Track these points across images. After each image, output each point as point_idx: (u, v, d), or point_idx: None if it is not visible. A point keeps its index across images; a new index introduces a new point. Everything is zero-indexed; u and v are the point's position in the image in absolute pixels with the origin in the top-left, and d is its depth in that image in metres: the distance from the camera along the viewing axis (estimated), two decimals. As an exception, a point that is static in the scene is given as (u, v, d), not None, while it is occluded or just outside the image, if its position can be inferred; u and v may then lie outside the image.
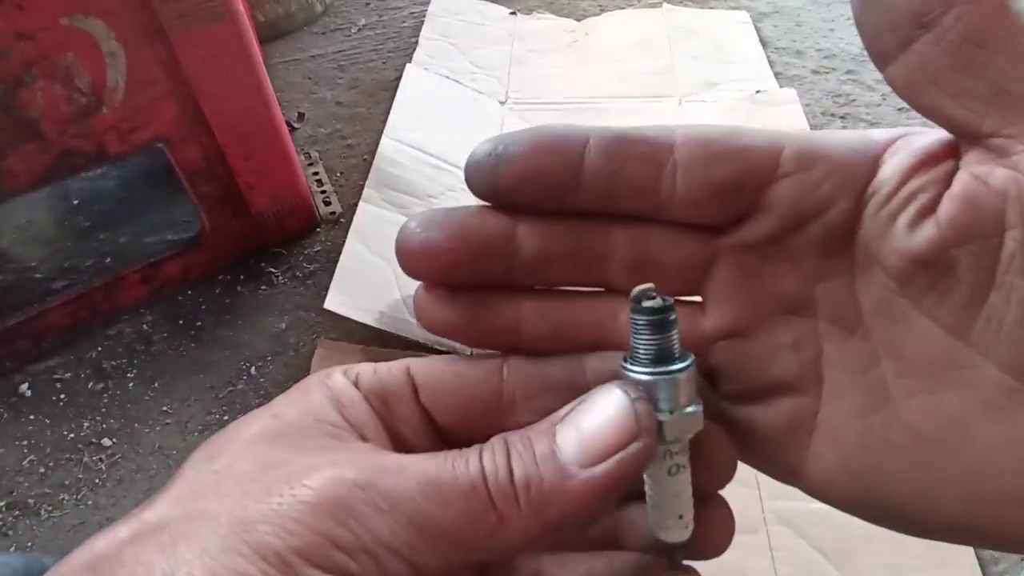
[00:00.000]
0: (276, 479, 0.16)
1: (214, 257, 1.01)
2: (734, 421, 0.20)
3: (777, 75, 1.29)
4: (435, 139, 1.15)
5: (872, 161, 0.18)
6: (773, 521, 0.74)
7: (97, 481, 0.82)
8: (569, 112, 1.25)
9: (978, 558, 0.71)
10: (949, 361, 0.17)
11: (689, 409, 0.18)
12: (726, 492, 0.20)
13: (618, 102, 1.27)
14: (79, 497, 0.81)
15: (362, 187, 1.07)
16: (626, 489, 0.17)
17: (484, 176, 0.19)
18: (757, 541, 0.72)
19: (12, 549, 0.77)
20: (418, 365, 0.21)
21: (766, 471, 0.21)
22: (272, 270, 1.03)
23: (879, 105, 1.23)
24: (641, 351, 0.18)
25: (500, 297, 0.20)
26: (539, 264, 0.20)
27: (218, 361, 0.93)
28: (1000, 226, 0.16)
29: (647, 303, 0.18)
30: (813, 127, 1.18)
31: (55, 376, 0.92)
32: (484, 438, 0.18)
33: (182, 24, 0.80)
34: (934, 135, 0.18)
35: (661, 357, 0.18)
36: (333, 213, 1.10)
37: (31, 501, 0.81)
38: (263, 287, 1.01)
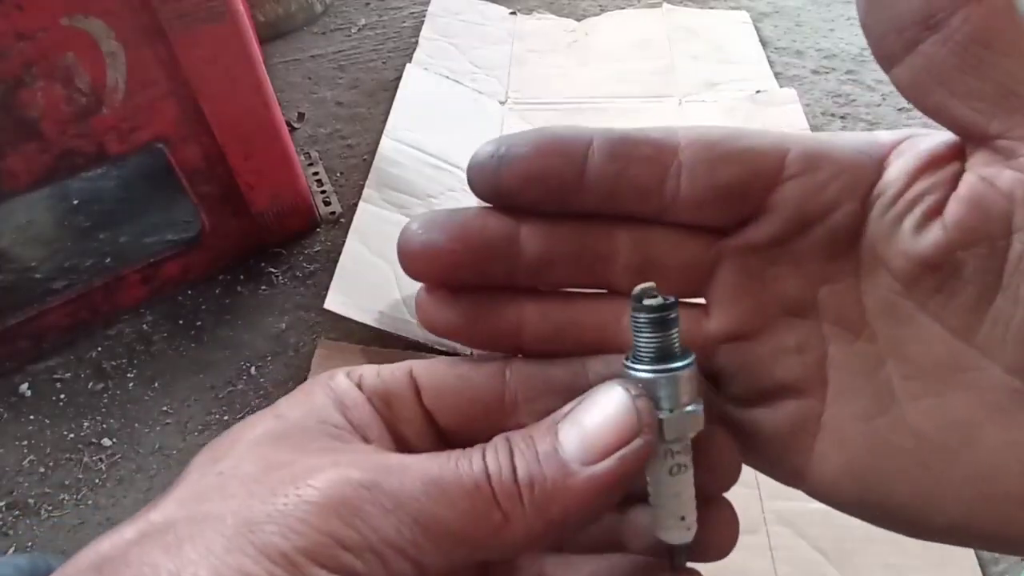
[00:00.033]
0: (281, 480, 0.16)
1: (214, 257, 1.01)
2: (738, 423, 0.20)
3: (777, 75, 1.29)
4: (435, 139, 1.15)
5: (878, 163, 0.18)
6: (773, 521, 0.74)
7: (97, 481, 0.82)
8: (569, 112, 1.25)
9: (978, 558, 0.71)
10: (955, 363, 0.17)
11: (690, 408, 0.18)
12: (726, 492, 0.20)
13: (618, 102, 1.27)
14: (79, 497, 0.81)
15: (362, 187, 1.07)
16: (628, 486, 0.17)
17: (487, 177, 0.19)
18: (757, 541, 0.72)
19: (12, 549, 0.77)
20: (421, 367, 0.21)
21: (770, 473, 0.21)
22: (272, 270, 1.03)
23: (879, 105, 1.23)
24: (642, 349, 0.18)
25: (502, 299, 0.20)
26: (542, 266, 0.20)
27: (218, 361, 0.93)
28: (1007, 228, 0.16)
29: (648, 301, 0.18)
30: (813, 127, 1.18)
31: (55, 376, 0.92)
32: (486, 440, 0.18)
33: (182, 24, 0.80)
34: (940, 137, 0.18)
35: (662, 355, 0.18)
36: (333, 213, 1.10)
37: (31, 501, 0.81)
38: (263, 287, 1.01)
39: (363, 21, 1.49)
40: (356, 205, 1.04)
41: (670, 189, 0.19)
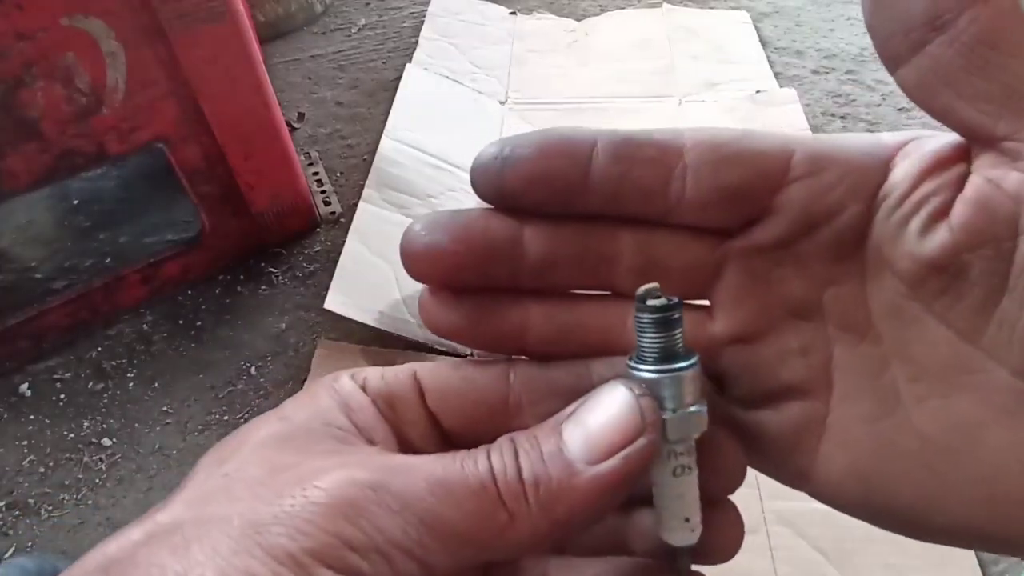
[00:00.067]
0: (287, 481, 0.16)
1: (214, 257, 1.01)
2: (742, 425, 0.20)
3: (777, 75, 1.29)
4: (435, 139, 1.15)
5: (883, 165, 0.18)
6: (773, 521, 0.74)
7: (97, 481, 0.82)
8: (569, 112, 1.25)
9: (978, 558, 0.71)
10: (960, 366, 0.17)
11: (693, 408, 0.18)
12: (725, 491, 0.20)
13: (618, 102, 1.27)
14: (79, 497, 0.81)
15: (362, 187, 1.07)
16: (633, 486, 0.17)
17: (490, 179, 0.19)
18: (757, 541, 0.72)
19: (12, 549, 0.77)
20: (425, 370, 0.21)
21: (774, 475, 0.21)
22: (272, 270, 1.03)
23: (879, 105, 1.23)
24: (646, 350, 0.18)
25: (506, 300, 0.20)
26: (545, 267, 0.20)
27: (218, 361, 0.93)
28: (1014, 230, 0.16)
29: (652, 301, 0.18)
30: (813, 127, 1.18)
31: (55, 376, 0.92)
32: (490, 442, 0.18)
33: (182, 24, 0.80)
34: (945, 138, 0.17)
35: (666, 356, 0.18)
36: (333, 213, 1.10)
37: (31, 501, 0.81)
38: (263, 287, 1.01)
39: (363, 21, 1.49)
40: (356, 205, 1.04)
41: (675, 191, 0.19)
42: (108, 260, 1.03)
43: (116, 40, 0.78)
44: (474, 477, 0.17)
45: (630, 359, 0.19)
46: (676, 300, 0.18)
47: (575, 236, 0.20)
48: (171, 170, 0.91)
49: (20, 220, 1.10)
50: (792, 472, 0.20)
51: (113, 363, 0.93)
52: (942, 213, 0.17)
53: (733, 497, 0.20)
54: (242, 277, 1.02)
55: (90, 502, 0.81)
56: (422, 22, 1.43)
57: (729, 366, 0.20)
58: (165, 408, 0.89)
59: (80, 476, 0.83)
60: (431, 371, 0.20)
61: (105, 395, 0.90)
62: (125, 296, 0.97)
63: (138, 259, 0.97)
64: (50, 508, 0.80)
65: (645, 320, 0.18)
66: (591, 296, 0.20)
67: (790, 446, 0.20)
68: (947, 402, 0.17)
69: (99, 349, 0.95)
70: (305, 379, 0.89)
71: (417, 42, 1.37)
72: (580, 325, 0.20)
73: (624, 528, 0.21)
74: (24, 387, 0.91)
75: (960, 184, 0.17)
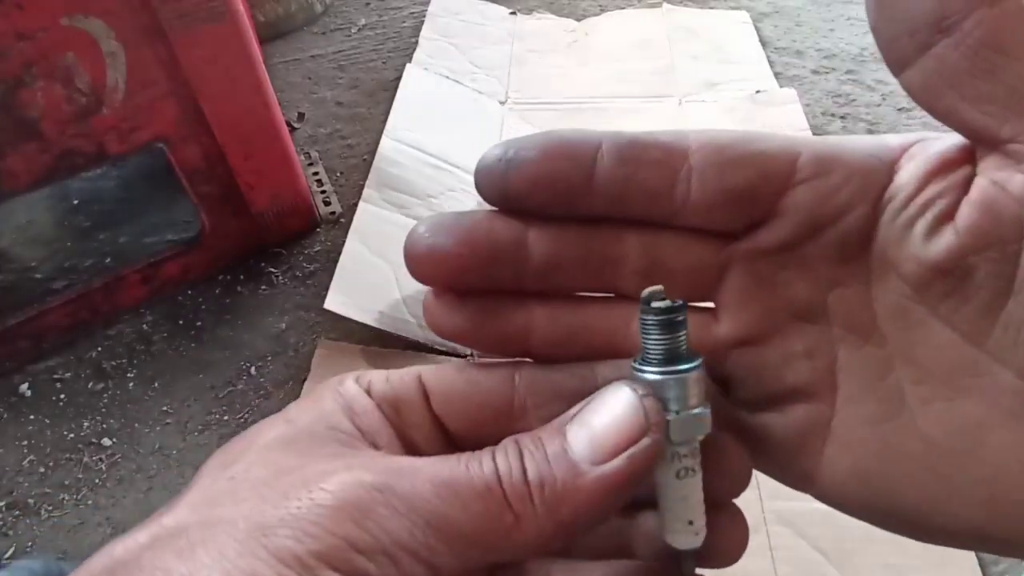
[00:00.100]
0: (292, 484, 0.16)
1: (214, 257, 1.01)
2: (747, 428, 0.20)
3: (777, 75, 1.29)
4: (435, 139, 1.15)
5: (888, 167, 0.18)
6: (773, 521, 0.74)
7: (97, 481, 0.82)
8: (569, 112, 1.25)
9: (978, 558, 0.71)
10: (966, 368, 0.17)
11: (697, 410, 0.18)
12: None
13: (618, 102, 1.27)
14: (79, 497, 0.81)
15: (362, 187, 1.07)
16: (636, 487, 0.17)
17: (494, 181, 0.19)
18: (757, 541, 0.72)
19: (12, 549, 0.77)
20: (429, 372, 0.21)
21: (779, 478, 0.21)
22: (272, 270, 1.03)
23: (879, 105, 1.23)
24: (650, 351, 0.18)
25: (510, 303, 0.20)
26: (550, 269, 0.19)
27: (218, 361, 0.93)
28: (1019, 233, 0.16)
29: (656, 303, 0.18)
30: (813, 127, 1.18)
31: (55, 376, 0.92)
32: (495, 445, 0.18)
33: (182, 24, 0.80)
34: (950, 140, 0.17)
35: (670, 358, 0.18)
36: (333, 213, 1.10)
37: (31, 501, 0.81)
38: (263, 287, 1.01)
39: (363, 21, 1.49)
40: (356, 205, 1.04)
41: (680, 193, 0.19)
42: (108, 260, 1.03)
43: (116, 40, 0.78)
44: (479, 479, 0.17)
45: (635, 361, 0.19)
46: (680, 302, 0.18)
47: (579, 238, 0.20)
48: (171, 170, 0.91)
49: (20, 220, 1.10)
50: (797, 474, 0.20)
51: (113, 363, 0.93)
52: (948, 216, 0.17)
53: None
54: (242, 277, 1.02)
55: (90, 502, 0.81)
56: (422, 22, 1.43)
57: (734, 369, 0.20)
58: (165, 408, 0.89)
59: (80, 476, 0.83)
60: (436, 374, 0.20)
61: (105, 395, 0.90)
62: (125, 296, 0.97)
63: (138, 259, 0.97)
64: (50, 508, 0.80)
65: (649, 322, 0.18)
66: (596, 298, 0.20)
67: (795, 448, 0.20)
68: (952, 405, 0.17)
69: (99, 349, 0.95)
70: (305, 379, 0.89)
71: (417, 42, 1.37)
72: (585, 327, 0.20)
73: (628, 531, 0.21)
74: (24, 387, 0.91)
75: (965, 186, 0.17)
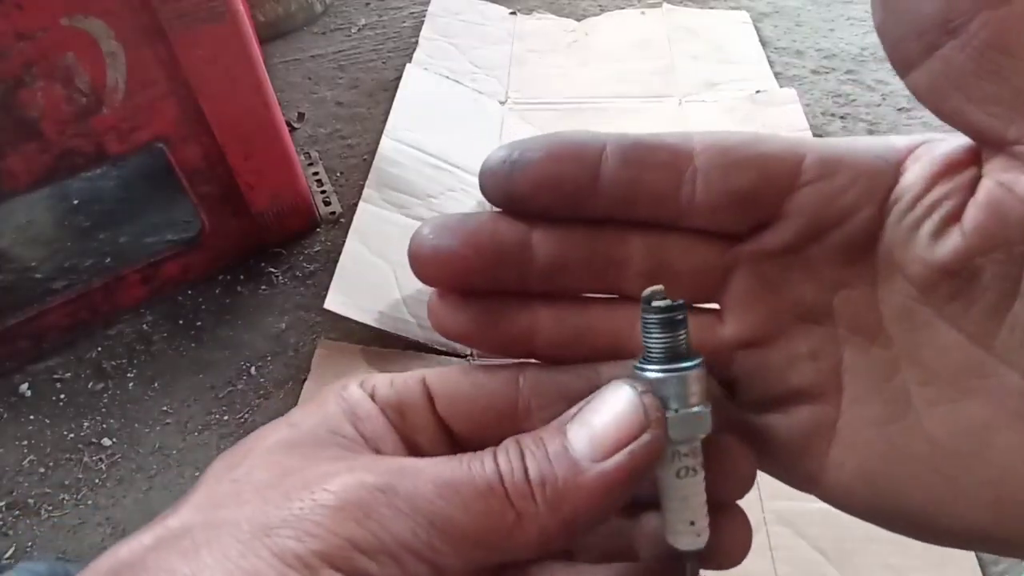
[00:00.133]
0: (295, 485, 0.16)
1: (214, 257, 1.01)
2: (752, 429, 0.20)
3: (777, 75, 1.29)
4: (435, 139, 1.15)
5: (894, 168, 0.18)
6: (773, 521, 0.74)
7: (97, 481, 0.82)
8: (569, 112, 1.25)
9: (978, 558, 0.71)
10: (972, 370, 0.17)
11: (697, 408, 0.18)
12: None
13: (618, 102, 1.27)
14: (79, 497, 0.81)
15: (362, 187, 1.07)
16: (638, 484, 0.17)
17: (499, 182, 0.19)
18: (757, 541, 0.72)
19: (12, 549, 0.77)
20: (433, 375, 0.21)
21: (784, 479, 0.21)
22: (272, 270, 1.03)
23: (879, 105, 1.23)
24: (650, 350, 0.18)
25: (515, 304, 0.20)
26: (554, 271, 0.20)
27: (218, 361, 0.93)
28: None
29: (656, 302, 0.18)
30: (813, 127, 1.18)
31: (55, 376, 0.92)
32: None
33: (182, 24, 0.80)
34: (956, 141, 0.17)
35: (670, 356, 0.18)
36: (333, 213, 1.10)
37: (31, 501, 0.81)
38: (263, 287, 1.01)
39: (363, 21, 1.49)
40: (356, 205, 1.04)
41: (685, 195, 0.19)
42: (108, 260, 1.03)
43: (116, 40, 0.78)
44: (481, 478, 0.17)
45: (637, 361, 0.19)
46: (680, 301, 0.18)
47: (584, 240, 0.20)
48: (171, 170, 0.91)
49: (20, 220, 1.10)
50: (802, 476, 0.20)
51: (113, 363, 0.94)
52: (954, 217, 0.17)
53: None
54: (242, 277, 1.02)
55: (90, 502, 0.81)
56: (422, 22, 1.43)
57: (739, 370, 0.20)
58: (165, 408, 0.89)
59: (80, 476, 0.83)
60: (440, 377, 0.20)
61: (105, 395, 0.90)
62: (125, 296, 0.97)
63: (138, 259, 0.97)
64: (50, 508, 0.80)
65: (649, 321, 0.18)
66: (600, 300, 0.20)
67: (800, 450, 0.20)
68: (958, 406, 0.17)
69: (99, 349, 0.95)
70: (305, 379, 0.89)
71: (417, 42, 1.37)
72: (589, 329, 0.20)
73: (631, 532, 0.21)
74: (24, 387, 0.91)
75: (972, 188, 0.17)
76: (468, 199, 1.07)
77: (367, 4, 1.54)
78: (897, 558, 0.71)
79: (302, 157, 1.15)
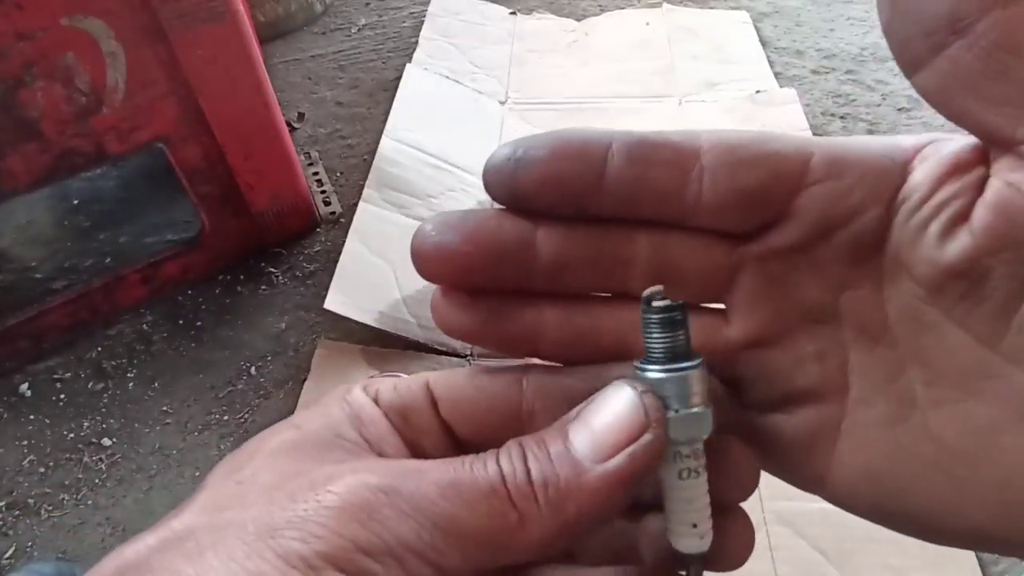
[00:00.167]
0: (300, 486, 0.16)
1: (214, 257, 1.01)
2: (757, 429, 0.20)
3: (777, 75, 1.29)
4: (435, 139, 1.15)
5: (902, 167, 0.18)
6: (773, 521, 0.74)
7: (97, 481, 0.83)
8: (569, 112, 1.25)
9: (978, 558, 0.71)
10: (979, 370, 0.17)
11: (698, 409, 0.18)
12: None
13: (618, 102, 1.27)
14: (79, 497, 0.81)
15: (362, 187, 1.07)
16: (640, 484, 0.17)
17: (503, 180, 0.19)
18: (757, 541, 0.72)
19: (12, 549, 0.77)
20: (437, 379, 0.21)
21: (790, 480, 0.20)
22: (272, 270, 1.03)
23: (879, 105, 1.23)
24: (651, 350, 0.18)
25: (520, 302, 0.20)
26: (558, 270, 0.19)
27: (218, 361, 0.93)
28: None
29: (656, 303, 0.18)
30: (813, 127, 1.18)
31: (55, 376, 0.92)
32: None
33: (182, 24, 0.80)
34: (963, 141, 0.17)
35: (670, 356, 0.18)
36: (333, 213, 1.10)
37: (31, 501, 0.81)
38: (263, 287, 1.01)
39: (363, 21, 1.49)
40: (356, 205, 1.04)
41: (691, 193, 0.18)
42: (108, 260, 1.03)
43: (116, 40, 0.78)
44: (484, 480, 0.17)
45: (639, 362, 0.19)
46: (679, 302, 0.18)
47: (589, 239, 0.19)
48: (171, 170, 0.91)
49: (20, 220, 1.10)
50: (807, 476, 0.20)
51: (113, 363, 0.94)
52: (962, 217, 0.17)
53: None
54: (242, 277, 1.02)
55: (90, 502, 0.81)
56: (422, 22, 1.43)
57: (744, 371, 0.20)
58: (165, 408, 0.89)
59: (80, 476, 0.83)
60: (444, 380, 0.20)
61: (105, 395, 0.90)
62: (125, 296, 0.97)
63: (138, 259, 0.97)
64: (50, 508, 0.80)
65: (649, 321, 0.18)
66: (605, 299, 0.20)
67: (805, 450, 0.19)
68: (964, 407, 0.17)
69: (99, 349, 0.95)
70: (305, 379, 0.89)
71: (417, 42, 1.37)
72: (594, 328, 0.20)
73: (634, 534, 0.21)
74: (24, 387, 0.91)
75: (980, 188, 0.17)
76: (468, 199, 1.07)
77: (367, 4, 1.54)
78: (897, 558, 0.71)
79: (302, 157, 1.15)
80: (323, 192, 1.13)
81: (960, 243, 0.17)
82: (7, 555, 0.77)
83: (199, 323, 0.97)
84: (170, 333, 0.97)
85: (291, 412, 0.87)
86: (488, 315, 0.20)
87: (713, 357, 0.19)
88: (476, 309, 0.20)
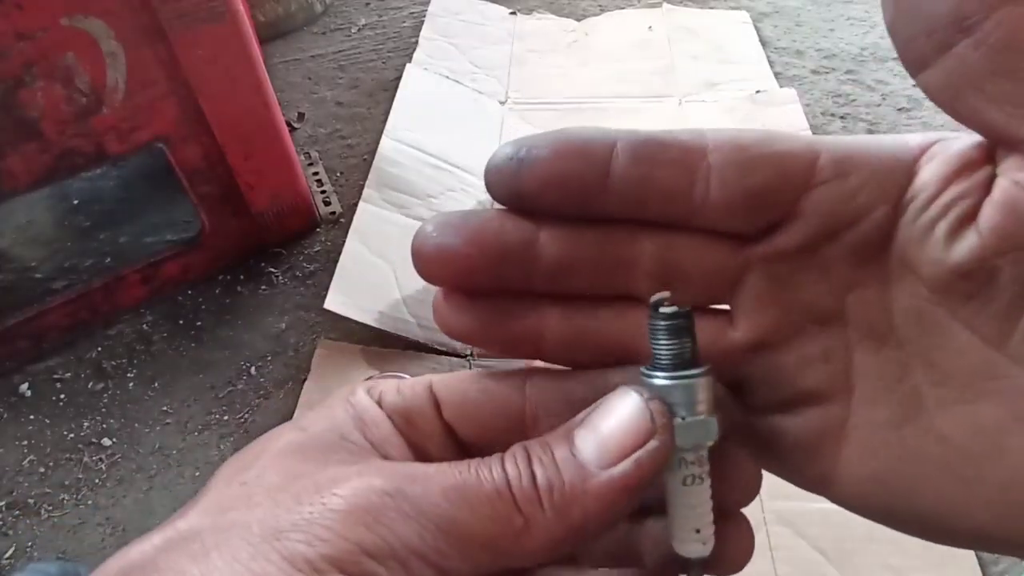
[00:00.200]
0: (305, 489, 0.16)
1: (214, 257, 1.01)
2: (763, 431, 0.20)
3: (777, 75, 1.29)
4: (435, 139, 1.15)
5: (909, 167, 0.18)
6: (773, 521, 0.74)
7: (97, 481, 0.82)
8: (569, 112, 1.25)
9: (978, 558, 0.71)
10: (985, 371, 0.17)
11: (704, 416, 0.18)
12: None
13: (618, 102, 1.27)
14: (79, 497, 0.81)
15: (362, 187, 1.07)
16: (645, 490, 0.17)
17: (505, 180, 0.19)
18: (757, 541, 0.72)
19: (12, 549, 0.77)
20: (440, 382, 0.20)
21: (794, 481, 0.20)
22: (272, 270, 1.03)
23: (879, 105, 1.23)
24: (658, 357, 0.18)
25: (523, 303, 0.20)
26: (561, 271, 0.19)
27: (218, 361, 0.93)
28: None
29: (663, 309, 0.18)
30: (813, 127, 1.18)
31: (55, 376, 0.92)
32: None
33: (182, 24, 0.80)
34: (970, 139, 0.17)
35: (677, 363, 0.18)
36: (333, 213, 1.10)
37: (31, 501, 0.81)
38: (263, 287, 1.01)
39: (363, 21, 1.49)
40: (356, 205, 1.04)
41: (698, 193, 0.18)
42: (108, 260, 1.03)
43: (116, 40, 0.78)
44: (489, 483, 0.17)
45: (645, 368, 0.19)
46: (687, 309, 0.18)
47: (592, 239, 0.19)
48: (171, 170, 0.91)
49: (20, 220, 1.10)
50: (813, 478, 0.20)
51: (113, 363, 0.94)
52: (970, 217, 0.17)
53: None
54: (242, 277, 1.02)
55: (90, 502, 0.81)
56: (422, 22, 1.43)
57: (749, 372, 0.20)
58: (165, 408, 0.89)
59: (80, 476, 0.83)
60: (447, 383, 0.20)
61: (105, 395, 0.90)
62: (125, 296, 0.97)
63: (138, 259, 0.97)
64: (50, 508, 0.80)
65: (656, 328, 0.18)
66: (609, 301, 0.20)
67: (810, 451, 0.19)
68: (971, 408, 0.17)
69: (99, 349, 0.95)
70: (305, 379, 0.89)
71: (417, 42, 1.37)
72: (598, 330, 0.20)
73: (636, 538, 0.21)
74: (24, 387, 0.91)
75: (987, 187, 0.16)
76: (468, 199, 1.07)
77: (367, 4, 1.54)
78: (897, 558, 0.71)
79: (302, 157, 1.15)
80: (323, 192, 1.13)
81: (967, 243, 0.16)
82: (7, 555, 0.77)
83: (199, 323, 0.97)
84: (170, 333, 0.97)
85: (291, 412, 0.87)
86: (490, 317, 0.20)
87: (718, 359, 0.19)
88: (478, 311, 0.19)
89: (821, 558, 0.72)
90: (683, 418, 0.18)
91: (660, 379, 0.18)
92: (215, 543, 0.15)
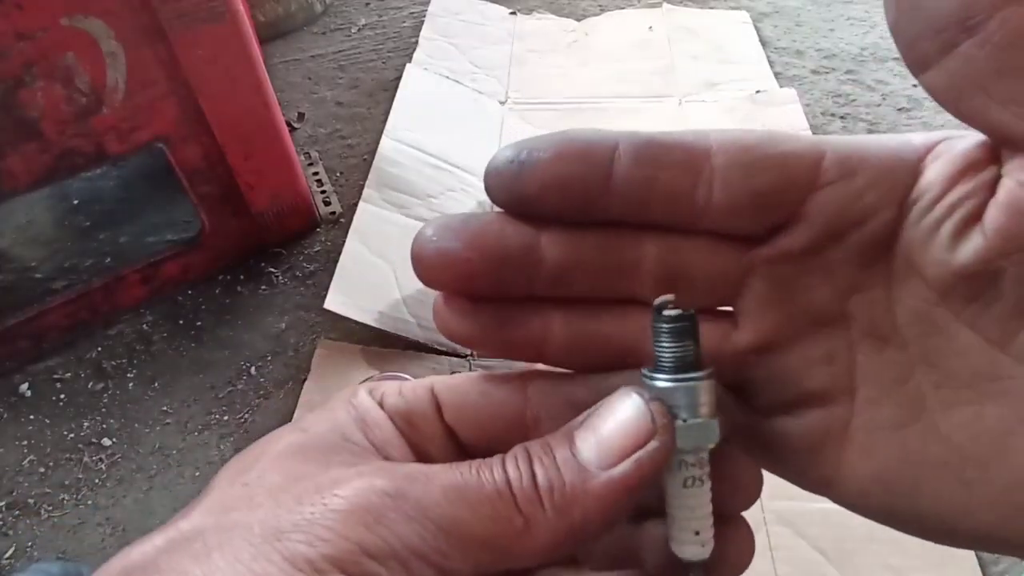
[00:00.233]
0: (306, 489, 0.16)
1: (214, 257, 1.01)
2: (766, 433, 0.20)
3: (777, 75, 1.29)
4: (435, 139, 1.15)
5: (913, 167, 0.18)
6: (773, 521, 0.74)
7: (97, 481, 0.82)
8: (569, 112, 1.25)
9: (978, 558, 0.71)
10: (989, 373, 0.17)
11: (705, 419, 0.18)
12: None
13: (618, 102, 1.27)
14: (79, 497, 0.81)
15: (362, 187, 1.07)
16: (645, 491, 0.17)
17: (505, 183, 0.18)
18: (757, 541, 0.72)
19: (12, 549, 0.77)
20: (442, 384, 0.20)
21: (797, 482, 0.20)
22: (272, 270, 1.03)
23: (879, 105, 1.23)
24: (660, 359, 0.18)
25: (524, 308, 0.20)
26: (563, 275, 0.19)
27: (218, 361, 0.93)
28: None
29: (667, 312, 0.18)
30: (813, 127, 1.18)
31: (55, 376, 0.92)
32: None
33: (182, 24, 0.80)
34: (974, 139, 0.17)
35: (679, 366, 0.18)
36: (333, 213, 1.10)
37: (31, 501, 0.81)
38: (263, 287, 1.01)
39: (363, 21, 1.49)
40: (356, 205, 1.04)
41: (702, 195, 0.18)
42: (108, 260, 1.03)
43: (116, 40, 0.78)
44: (490, 484, 0.17)
45: (647, 370, 0.19)
46: (691, 311, 0.18)
47: (595, 243, 0.19)
48: (171, 170, 0.91)
49: (20, 220, 1.10)
50: (816, 479, 0.20)
51: (113, 363, 0.94)
52: (975, 218, 0.16)
53: None
54: (242, 277, 1.02)
55: (90, 502, 0.81)
56: (422, 22, 1.43)
57: (753, 374, 0.20)
58: (165, 408, 0.89)
59: (80, 476, 0.83)
60: (448, 386, 0.20)
61: (105, 395, 0.90)
62: (125, 296, 0.97)
63: (138, 259, 0.97)
64: (50, 508, 0.80)
65: (659, 330, 0.18)
66: (612, 304, 0.20)
67: (813, 453, 0.19)
68: (974, 409, 0.17)
69: (99, 349, 0.95)
70: (305, 379, 0.89)
71: (417, 42, 1.37)
72: (600, 334, 0.20)
73: (636, 539, 0.21)
74: (24, 387, 0.91)
75: (992, 187, 0.16)
76: (468, 199, 1.07)
77: (367, 4, 1.54)
78: (897, 558, 0.71)
79: (302, 157, 1.15)
80: (323, 192, 1.13)
81: (972, 245, 0.16)
82: (7, 555, 0.77)
83: (199, 323, 0.97)
84: (170, 333, 0.97)
85: (291, 412, 0.87)
86: (492, 322, 0.19)
87: (722, 362, 0.19)
88: (479, 316, 0.19)
89: (821, 558, 0.72)
90: (684, 420, 0.18)
91: (662, 381, 0.18)
92: (217, 543, 0.15)
